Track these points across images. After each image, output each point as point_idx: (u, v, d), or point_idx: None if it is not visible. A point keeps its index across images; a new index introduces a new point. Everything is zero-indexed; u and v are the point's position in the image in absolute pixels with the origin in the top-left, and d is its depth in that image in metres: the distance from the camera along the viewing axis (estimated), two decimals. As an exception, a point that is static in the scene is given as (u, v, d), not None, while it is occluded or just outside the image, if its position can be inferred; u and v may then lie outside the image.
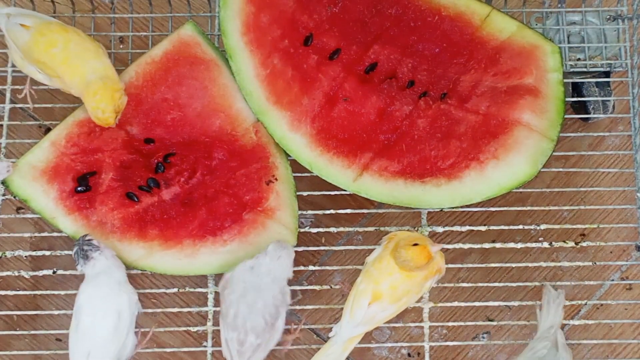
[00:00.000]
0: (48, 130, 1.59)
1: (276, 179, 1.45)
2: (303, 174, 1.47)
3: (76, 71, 1.39)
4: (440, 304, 1.47)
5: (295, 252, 1.39)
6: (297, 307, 1.47)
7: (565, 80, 1.51)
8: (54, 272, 1.46)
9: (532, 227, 1.51)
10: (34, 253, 1.48)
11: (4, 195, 1.47)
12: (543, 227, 1.50)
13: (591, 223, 1.57)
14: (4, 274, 1.49)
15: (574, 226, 1.53)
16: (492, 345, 1.54)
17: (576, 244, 1.49)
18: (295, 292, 1.42)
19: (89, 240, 1.37)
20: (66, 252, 1.45)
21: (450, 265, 1.45)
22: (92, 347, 1.34)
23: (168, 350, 1.52)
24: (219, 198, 1.44)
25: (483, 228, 1.48)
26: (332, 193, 1.47)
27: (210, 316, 1.44)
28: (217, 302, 1.43)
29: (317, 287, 1.47)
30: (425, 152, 1.45)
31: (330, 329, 1.38)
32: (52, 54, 1.40)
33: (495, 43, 1.48)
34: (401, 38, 1.49)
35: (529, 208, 1.54)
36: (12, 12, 1.45)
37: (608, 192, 1.60)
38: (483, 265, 1.53)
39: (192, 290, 1.47)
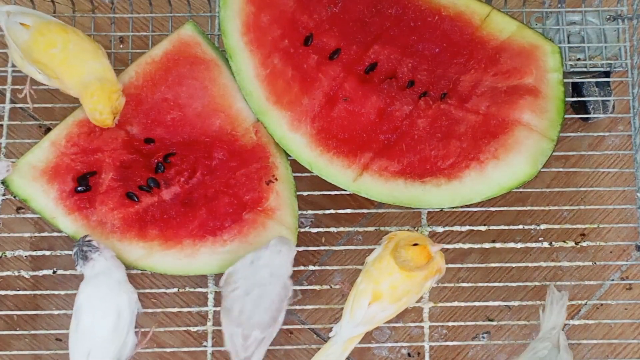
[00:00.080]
0: (48, 130, 1.59)
1: (276, 179, 1.45)
2: (303, 174, 1.47)
3: (74, 72, 1.39)
4: (440, 304, 1.47)
5: (295, 252, 1.39)
6: (297, 307, 1.47)
7: (565, 80, 1.51)
8: (54, 272, 1.46)
9: (532, 227, 1.51)
10: (34, 253, 1.48)
11: (4, 195, 1.47)
12: (543, 227, 1.50)
13: (591, 223, 1.57)
14: (4, 274, 1.49)
15: (574, 226, 1.53)
16: (492, 345, 1.54)
17: (576, 244, 1.49)
18: (296, 292, 1.42)
19: (88, 241, 1.37)
20: (66, 252, 1.45)
21: (450, 265, 1.45)
22: (92, 346, 1.34)
23: (168, 350, 1.52)
24: (219, 198, 1.44)
25: (483, 228, 1.48)
26: (332, 193, 1.47)
27: (210, 316, 1.44)
28: (217, 302, 1.43)
29: (317, 287, 1.47)
30: (425, 152, 1.45)
31: (330, 329, 1.38)
32: (51, 54, 1.40)
33: (495, 43, 1.48)
34: (401, 38, 1.49)
35: (529, 208, 1.54)
36: (13, 10, 1.45)
37: (608, 192, 1.60)
38: (483, 265, 1.53)
39: (192, 290, 1.47)
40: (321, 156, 1.46)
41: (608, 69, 1.56)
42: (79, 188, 1.44)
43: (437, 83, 1.48)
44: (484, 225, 1.49)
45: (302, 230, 1.48)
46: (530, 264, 1.51)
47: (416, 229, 1.46)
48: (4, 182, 1.44)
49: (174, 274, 1.44)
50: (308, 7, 1.48)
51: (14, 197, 1.46)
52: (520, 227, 1.48)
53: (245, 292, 1.36)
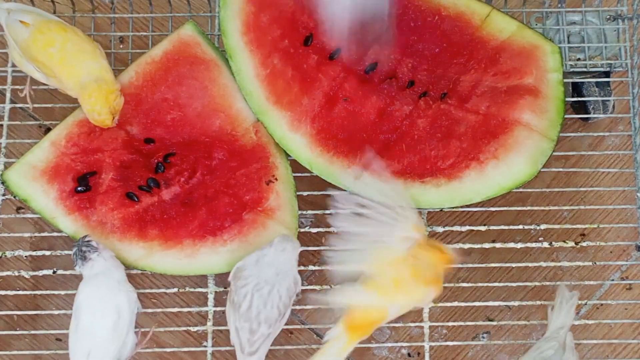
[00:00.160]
0: (48, 130, 1.59)
1: (276, 179, 1.45)
2: (303, 174, 1.47)
3: (72, 72, 1.39)
4: (440, 304, 1.47)
5: (300, 249, 1.39)
6: (297, 307, 1.47)
7: (565, 80, 1.51)
8: (54, 272, 1.46)
9: (532, 227, 1.51)
10: (34, 253, 1.48)
11: (4, 195, 1.47)
12: (543, 227, 1.50)
13: (591, 223, 1.57)
14: (4, 274, 1.49)
15: (574, 226, 1.53)
16: (492, 345, 1.54)
17: (576, 244, 1.49)
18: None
19: (87, 241, 1.37)
20: (66, 252, 1.45)
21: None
22: (92, 346, 1.34)
23: (168, 350, 1.52)
24: (219, 198, 1.44)
25: (483, 228, 1.48)
26: (332, 193, 1.47)
27: (210, 316, 1.44)
28: (217, 302, 1.43)
29: (317, 287, 1.47)
30: (425, 152, 1.45)
31: (330, 329, 1.37)
32: (50, 53, 1.40)
33: (495, 43, 1.48)
34: (401, 38, 1.49)
35: (529, 208, 1.54)
36: (13, 7, 1.44)
37: (608, 192, 1.60)
38: (483, 265, 1.53)
39: (192, 290, 1.47)
40: (321, 156, 1.46)
41: (608, 69, 1.56)
42: (79, 188, 1.44)
43: (437, 83, 1.48)
44: (484, 225, 1.49)
45: (302, 230, 1.48)
46: (530, 264, 1.51)
47: (416, 229, 1.46)
48: (4, 182, 1.44)
49: (174, 274, 1.44)
50: (308, 7, 1.48)
51: (14, 197, 1.46)
52: (520, 227, 1.48)
53: (255, 287, 1.36)
